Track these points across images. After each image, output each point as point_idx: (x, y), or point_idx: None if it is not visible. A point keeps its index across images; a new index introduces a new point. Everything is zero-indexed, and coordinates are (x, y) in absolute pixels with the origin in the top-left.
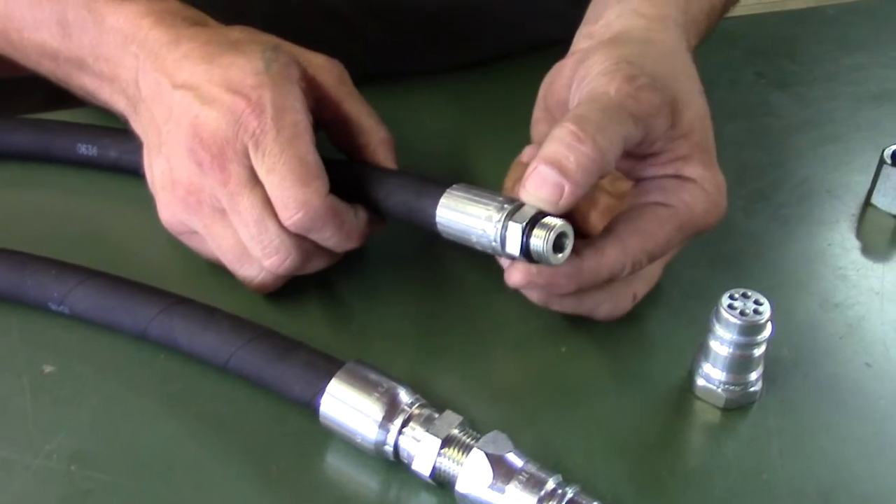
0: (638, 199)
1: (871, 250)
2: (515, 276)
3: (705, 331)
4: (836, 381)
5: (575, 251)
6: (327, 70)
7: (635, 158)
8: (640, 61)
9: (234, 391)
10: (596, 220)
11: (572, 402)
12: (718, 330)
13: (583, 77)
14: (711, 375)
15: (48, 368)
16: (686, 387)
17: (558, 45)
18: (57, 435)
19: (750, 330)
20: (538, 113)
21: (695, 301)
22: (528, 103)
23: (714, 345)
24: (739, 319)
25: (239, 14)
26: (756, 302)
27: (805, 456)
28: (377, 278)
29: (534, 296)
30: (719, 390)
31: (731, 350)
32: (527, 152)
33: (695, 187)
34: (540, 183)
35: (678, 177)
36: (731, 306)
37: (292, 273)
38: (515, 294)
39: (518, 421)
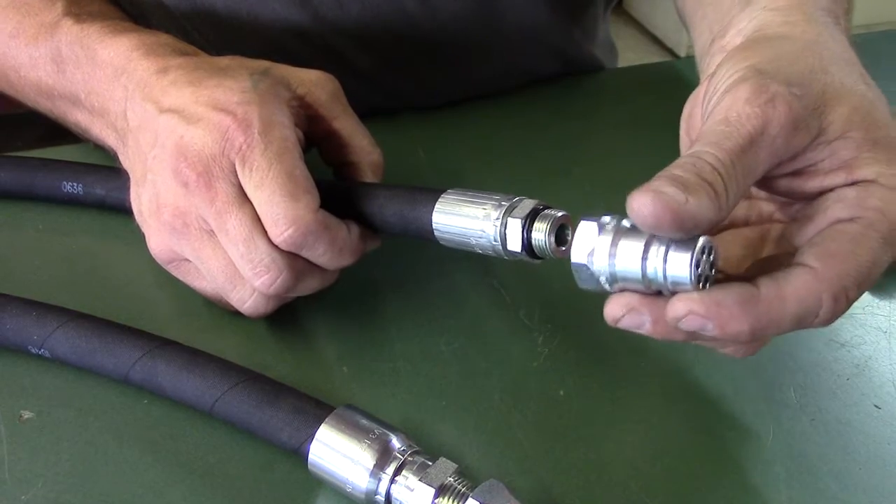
0: (818, 223)
1: (878, 288)
2: (678, 306)
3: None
4: (844, 424)
5: (746, 274)
6: (320, 86)
7: (788, 176)
8: (773, 65)
9: (220, 437)
10: (736, 263)
11: (571, 448)
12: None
13: (710, 97)
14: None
15: (26, 414)
16: (688, 429)
17: (555, 81)
18: (34, 485)
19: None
20: (684, 149)
21: None
22: (524, 139)
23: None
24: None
25: (232, 50)
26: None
27: (814, 503)
28: (367, 319)
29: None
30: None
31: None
32: None
33: (879, 189)
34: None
35: (854, 183)
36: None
37: (284, 293)
38: (511, 337)
39: (515, 468)
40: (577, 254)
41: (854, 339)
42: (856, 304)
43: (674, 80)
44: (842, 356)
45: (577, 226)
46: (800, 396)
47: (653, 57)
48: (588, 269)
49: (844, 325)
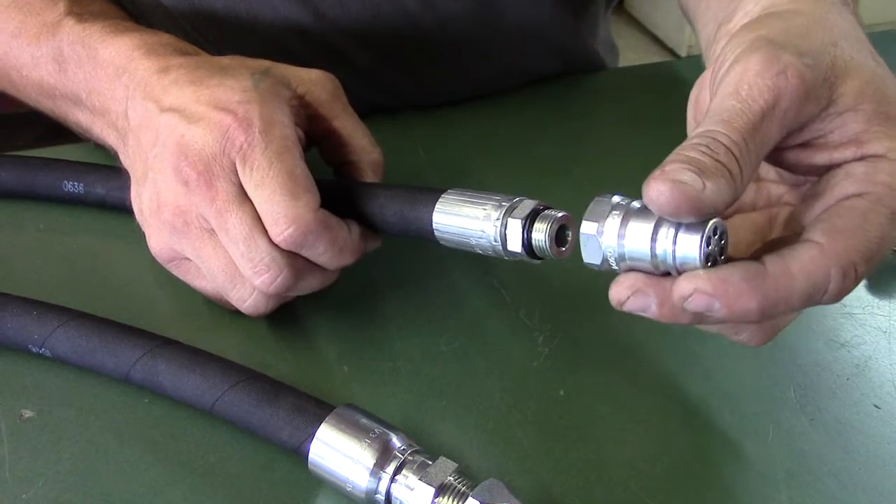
0: (826, 200)
1: (878, 288)
2: (683, 285)
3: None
4: (843, 424)
5: (753, 257)
6: (320, 85)
7: (796, 149)
8: (782, 37)
9: (220, 436)
10: (745, 248)
11: (571, 448)
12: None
13: (718, 70)
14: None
15: (27, 413)
16: (688, 428)
17: (555, 80)
18: (35, 484)
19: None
20: (690, 134)
21: (695, 338)
22: (524, 138)
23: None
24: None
25: (232, 49)
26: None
27: (814, 503)
28: (367, 319)
29: (694, 315)
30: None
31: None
32: None
33: (889, 164)
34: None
35: (864, 158)
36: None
37: (284, 292)
38: (511, 337)
39: (515, 468)
40: (588, 229)
41: (854, 339)
42: (856, 304)
43: (674, 80)
44: (842, 356)
45: (588, 205)
46: (799, 396)
47: (653, 57)
48: (597, 246)
49: (844, 325)
